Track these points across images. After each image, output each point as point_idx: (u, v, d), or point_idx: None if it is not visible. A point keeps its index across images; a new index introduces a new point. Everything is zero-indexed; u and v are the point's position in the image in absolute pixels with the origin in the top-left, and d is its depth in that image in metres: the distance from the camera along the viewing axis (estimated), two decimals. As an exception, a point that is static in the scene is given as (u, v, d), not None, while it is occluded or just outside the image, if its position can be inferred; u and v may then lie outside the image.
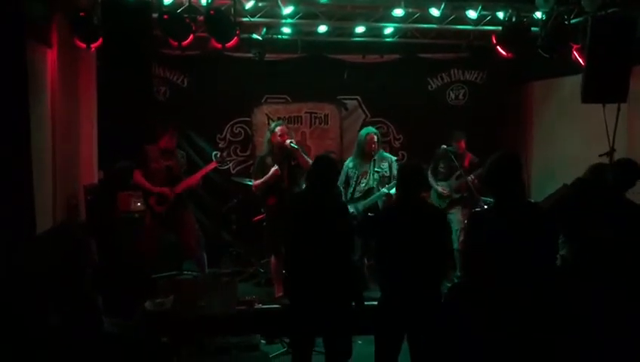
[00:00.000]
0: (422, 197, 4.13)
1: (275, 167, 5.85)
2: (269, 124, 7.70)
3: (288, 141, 5.86)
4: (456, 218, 6.64)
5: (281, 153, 5.92)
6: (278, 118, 7.74)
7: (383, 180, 6.16)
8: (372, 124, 7.90)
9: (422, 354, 3.86)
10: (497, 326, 3.39)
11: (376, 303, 4.00)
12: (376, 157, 6.19)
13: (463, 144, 6.83)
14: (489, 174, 3.60)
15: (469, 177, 6.45)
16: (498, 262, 3.42)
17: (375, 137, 6.20)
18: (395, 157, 6.45)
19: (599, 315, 3.45)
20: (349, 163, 6.42)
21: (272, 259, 6.11)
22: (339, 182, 6.36)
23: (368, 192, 6.18)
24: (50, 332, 2.51)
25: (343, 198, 6.17)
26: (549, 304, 3.43)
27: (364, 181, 6.21)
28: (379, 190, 6.10)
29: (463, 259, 3.79)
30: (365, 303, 4.30)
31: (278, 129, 5.98)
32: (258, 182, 5.95)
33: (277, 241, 5.91)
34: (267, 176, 5.87)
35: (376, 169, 6.16)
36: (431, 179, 6.85)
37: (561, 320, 3.48)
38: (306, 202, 4.18)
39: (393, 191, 5.78)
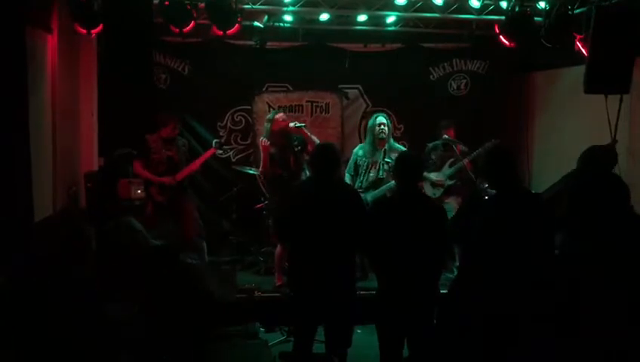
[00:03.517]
0: (419, 188, 4.13)
1: (262, 139, 5.93)
2: (269, 112, 7.69)
3: (292, 124, 5.84)
4: (452, 207, 6.59)
5: (283, 140, 5.91)
6: (279, 107, 7.71)
7: None
8: (373, 113, 7.88)
9: (420, 346, 3.87)
10: (493, 318, 3.40)
11: (374, 293, 4.00)
12: (386, 147, 6.10)
13: (452, 133, 6.77)
14: (484, 168, 3.62)
15: (464, 160, 6.39)
16: (494, 252, 3.43)
17: (385, 125, 6.14)
18: (405, 148, 6.37)
19: (596, 309, 3.44)
20: (358, 150, 6.36)
21: (278, 247, 6.08)
22: (347, 170, 6.36)
23: (377, 183, 6.10)
24: (51, 317, 2.52)
25: None
26: (545, 295, 3.43)
27: (374, 171, 6.16)
28: (389, 181, 6.02)
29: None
30: (364, 293, 4.30)
31: (277, 116, 5.99)
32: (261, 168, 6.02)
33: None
34: (262, 155, 5.96)
35: (386, 159, 6.03)
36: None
37: (557, 312, 3.48)
38: (308, 190, 4.16)
39: None
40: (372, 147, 6.19)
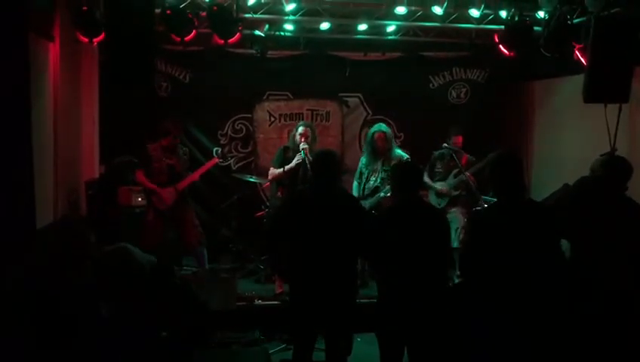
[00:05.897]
0: (420, 196, 4.13)
1: (302, 151, 5.82)
2: (270, 120, 7.74)
3: (302, 145, 5.87)
4: (456, 217, 6.58)
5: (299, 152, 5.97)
6: (280, 115, 7.74)
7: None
8: (373, 121, 7.89)
9: (420, 354, 3.86)
10: (499, 325, 3.40)
11: (374, 301, 3.99)
12: (387, 156, 6.16)
13: (460, 140, 6.76)
14: (491, 172, 3.62)
15: (467, 173, 6.40)
16: (499, 261, 3.43)
17: (383, 135, 6.18)
18: (407, 155, 6.33)
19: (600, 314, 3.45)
20: (363, 158, 6.45)
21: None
22: (355, 178, 6.42)
23: (375, 191, 6.17)
24: (51, 322, 2.53)
25: (356, 195, 6.17)
26: (550, 303, 3.44)
27: (373, 179, 6.21)
28: (384, 188, 6.06)
29: (460, 259, 3.77)
30: (364, 301, 4.28)
31: (301, 129, 6.04)
32: (277, 172, 6.02)
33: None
34: (288, 166, 5.94)
35: (384, 168, 6.11)
36: (427, 180, 6.76)
37: (562, 319, 3.48)
38: (308, 196, 4.16)
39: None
40: (372, 156, 6.25)
